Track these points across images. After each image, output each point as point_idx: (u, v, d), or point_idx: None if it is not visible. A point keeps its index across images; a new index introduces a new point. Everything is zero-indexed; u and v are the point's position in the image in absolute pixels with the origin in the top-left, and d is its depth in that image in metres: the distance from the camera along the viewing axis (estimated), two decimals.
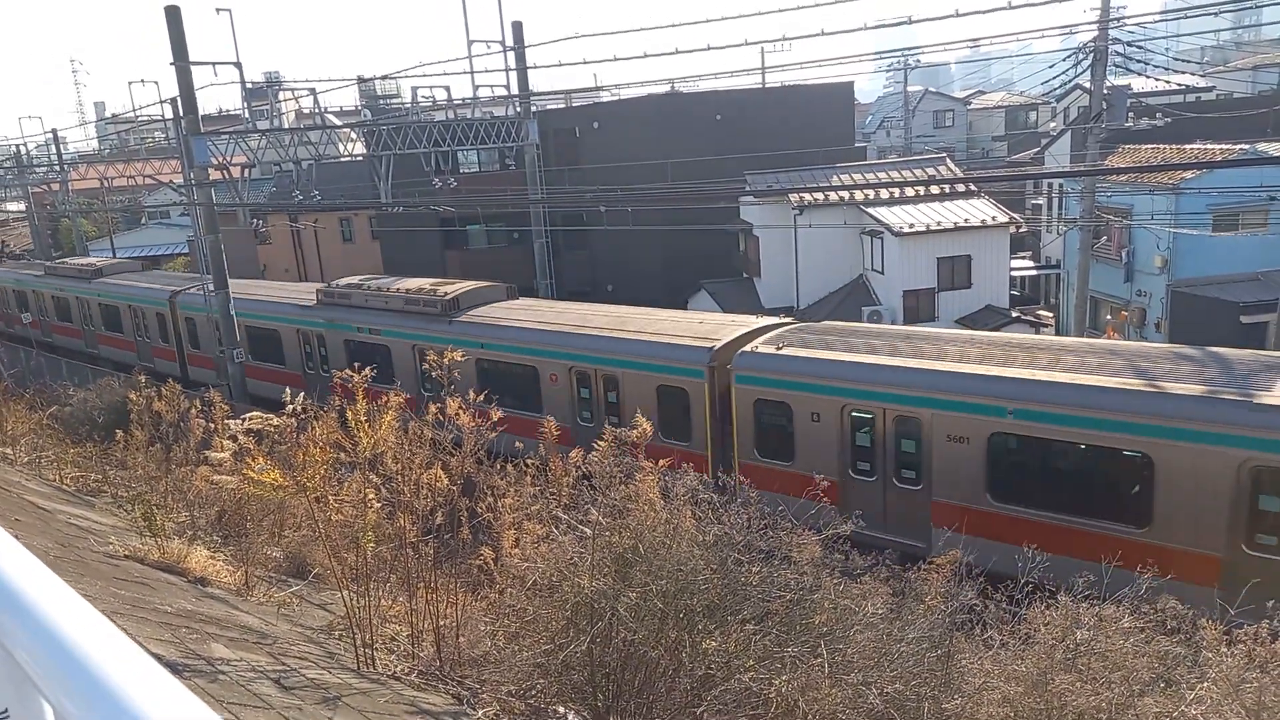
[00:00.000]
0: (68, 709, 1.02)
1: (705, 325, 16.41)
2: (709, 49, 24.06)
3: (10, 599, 1.21)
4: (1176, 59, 34.82)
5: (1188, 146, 26.84)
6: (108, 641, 1.06)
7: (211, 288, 23.53)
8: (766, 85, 38.60)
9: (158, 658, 4.01)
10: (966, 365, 12.42)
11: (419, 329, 19.33)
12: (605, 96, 39.27)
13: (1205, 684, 4.87)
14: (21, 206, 58.31)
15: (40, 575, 1.27)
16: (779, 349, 14.05)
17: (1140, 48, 24.71)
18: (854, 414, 13.09)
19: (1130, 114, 24.11)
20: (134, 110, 51.25)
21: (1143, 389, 10.96)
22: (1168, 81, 30.78)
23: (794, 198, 27.14)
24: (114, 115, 70.88)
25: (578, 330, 17.02)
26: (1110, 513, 11.04)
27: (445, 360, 6.22)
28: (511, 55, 29.07)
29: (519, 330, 17.78)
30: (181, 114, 22.96)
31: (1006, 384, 11.72)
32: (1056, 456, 11.79)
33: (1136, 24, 24.74)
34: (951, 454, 12.06)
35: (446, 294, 19.78)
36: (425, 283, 21.15)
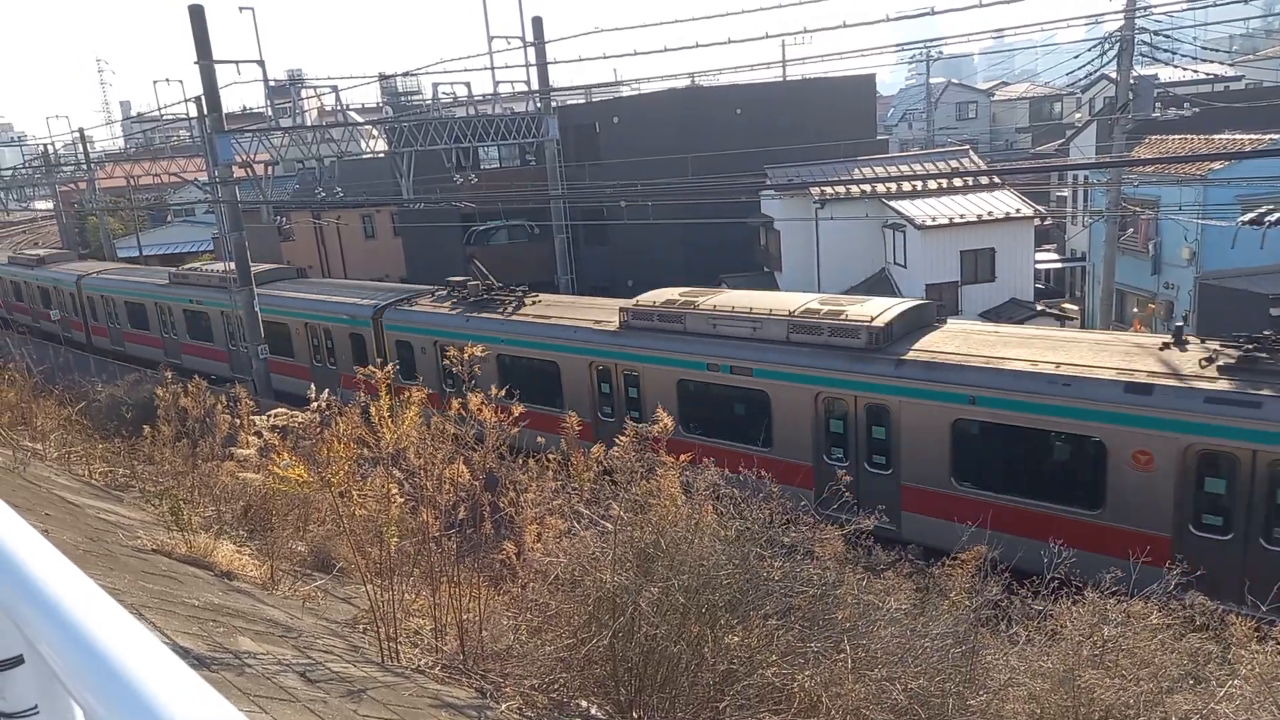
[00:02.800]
0: (95, 709, 1.03)
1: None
2: (729, 43, 24.01)
3: (39, 599, 1.22)
4: (1205, 48, 34.31)
5: (1216, 137, 26.45)
6: (136, 642, 1.07)
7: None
8: (787, 78, 38.42)
9: (185, 651, 4.06)
10: None
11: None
12: (625, 91, 39.29)
13: (1236, 681, 4.80)
14: (50, 205, 59.09)
15: (69, 575, 1.28)
16: None
17: (1167, 37, 24.38)
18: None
19: (1157, 104, 23.81)
20: (159, 109, 51.74)
21: None
22: (1195, 71, 30.33)
23: (815, 191, 27.00)
24: (139, 114, 71.64)
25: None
26: None
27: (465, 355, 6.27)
28: (532, 51, 29.13)
29: None
30: (206, 112, 23.17)
31: None
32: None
33: (1163, 13, 24.37)
34: None
35: None
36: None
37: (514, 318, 18.37)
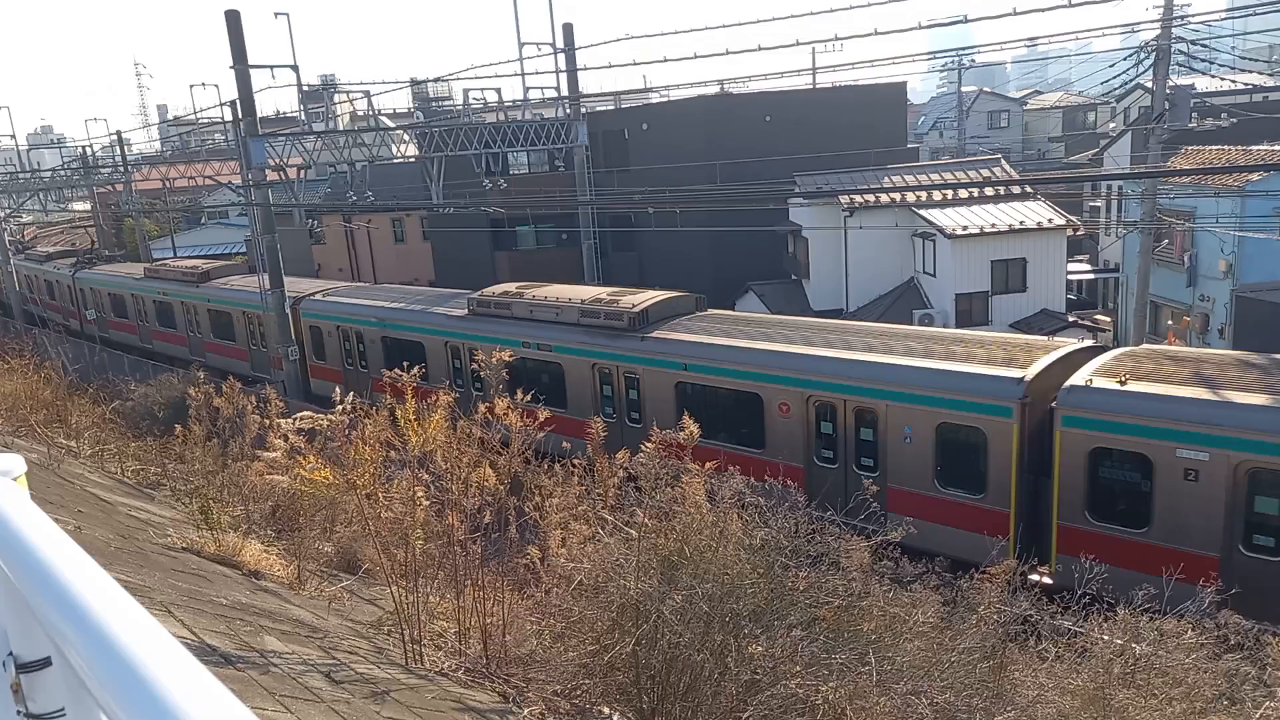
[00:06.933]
0: (118, 714, 1.03)
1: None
2: (759, 50, 23.86)
3: (66, 602, 1.23)
4: (1243, 57, 33.82)
5: (1254, 148, 26.04)
6: (160, 648, 1.07)
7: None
8: (817, 86, 38.30)
9: (212, 649, 4.10)
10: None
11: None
12: (655, 98, 39.34)
13: (1273, 702, 4.70)
14: (87, 206, 60.17)
15: (96, 579, 1.29)
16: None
17: (1205, 46, 24.04)
18: None
19: (1194, 114, 23.47)
20: (195, 113, 52.59)
21: None
22: (1233, 81, 29.89)
23: (844, 199, 26.89)
24: (176, 118, 72.84)
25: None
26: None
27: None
28: (562, 57, 29.24)
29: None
30: (240, 116, 23.48)
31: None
32: None
33: (1201, 22, 24.05)
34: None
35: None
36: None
37: None
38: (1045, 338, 15.00)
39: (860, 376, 13.69)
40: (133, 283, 35.21)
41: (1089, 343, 14.49)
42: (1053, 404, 11.84)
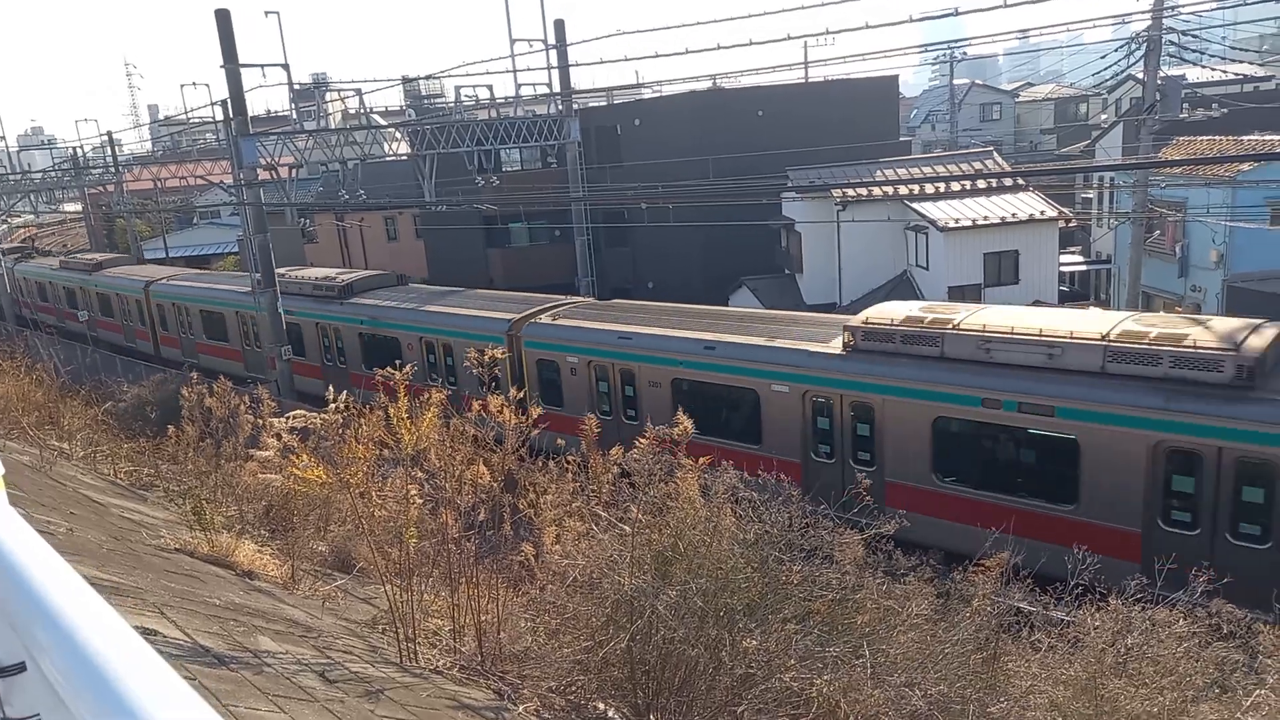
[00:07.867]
0: None
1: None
2: (751, 44, 23.91)
3: (38, 608, 1.22)
4: (1234, 48, 33.85)
5: (1245, 138, 26.09)
6: (132, 655, 1.06)
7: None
8: (809, 80, 38.27)
9: (205, 650, 4.09)
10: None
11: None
12: (647, 93, 39.29)
13: (1263, 690, 4.73)
14: (78, 207, 59.91)
15: (70, 584, 1.28)
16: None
17: (1195, 36, 24.08)
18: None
19: (1185, 105, 23.54)
20: (186, 112, 52.39)
21: None
22: (1224, 71, 29.93)
23: (837, 193, 26.89)
24: (167, 118, 72.55)
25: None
26: None
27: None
28: (553, 53, 29.18)
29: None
30: (231, 115, 23.39)
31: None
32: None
33: (1191, 12, 24.11)
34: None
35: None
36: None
37: None
38: (565, 298, 21.45)
39: (443, 324, 20.93)
40: (50, 273, 40.60)
41: (577, 299, 20.59)
42: (520, 334, 18.89)
